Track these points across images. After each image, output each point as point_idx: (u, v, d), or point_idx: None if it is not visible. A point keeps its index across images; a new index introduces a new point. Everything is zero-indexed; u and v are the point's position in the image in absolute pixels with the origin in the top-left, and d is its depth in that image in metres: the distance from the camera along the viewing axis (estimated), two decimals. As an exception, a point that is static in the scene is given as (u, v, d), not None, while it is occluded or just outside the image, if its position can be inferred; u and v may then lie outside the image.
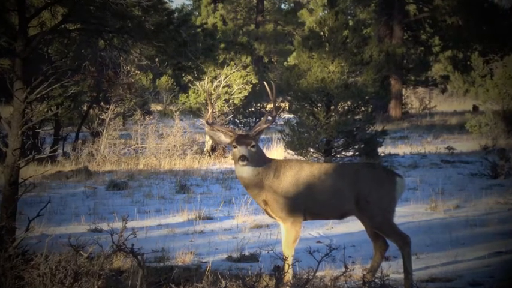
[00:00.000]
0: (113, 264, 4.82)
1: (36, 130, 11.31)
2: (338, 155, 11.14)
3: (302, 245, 5.18)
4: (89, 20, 5.37)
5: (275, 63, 26.61)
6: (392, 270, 5.09)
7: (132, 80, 13.83)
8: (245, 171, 4.76)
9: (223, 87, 14.02)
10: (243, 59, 14.17)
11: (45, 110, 11.20)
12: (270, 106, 17.06)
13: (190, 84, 14.40)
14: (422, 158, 12.29)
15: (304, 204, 4.78)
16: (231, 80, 14.04)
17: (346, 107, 11.07)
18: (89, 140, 12.70)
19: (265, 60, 28.73)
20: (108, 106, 12.84)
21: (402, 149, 13.73)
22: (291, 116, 12.23)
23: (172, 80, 20.34)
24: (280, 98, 14.99)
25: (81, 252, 4.16)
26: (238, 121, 16.94)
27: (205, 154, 12.85)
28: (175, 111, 13.69)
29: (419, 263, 5.38)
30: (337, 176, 4.82)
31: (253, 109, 17.26)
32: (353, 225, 6.32)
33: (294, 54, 17.89)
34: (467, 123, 14.46)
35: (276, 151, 11.98)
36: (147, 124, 12.87)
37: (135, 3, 5.22)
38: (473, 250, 5.82)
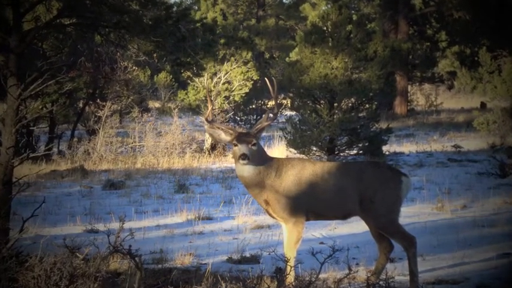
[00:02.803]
0: (109, 266, 4.79)
1: (31, 128, 11.25)
2: (341, 154, 11.05)
3: (304, 246, 5.10)
4: (84, 15, 5.29)
5: (277, 59, 26.51)
6: (398, 272, 5.05)
7: (130, 77, 13.74)
8: (246, 170, 4.70)
9: (223, 83, 13.91)
10: (244, 54, 14.05)
11: (40, 107, 11.11)
12: (271, 103, 16.94)
13: (189, 81, 14.29)
14: (428, 157, 12.25)
15: (306, 204, 4.74)
16: (231, 76, 13.94)
17: (350, 104, 10.98)
18: (85, 138, 12.63)
19: (267, 55, 28.62)
20: (104, 103, 12.75)
21: (408, 147, 13.68)
22: (293, 113, 12.14)
23: (171, 76, 20.24)
24: (282, 95, 14.88)
25: (77, 254, 4.21)
26: (238, 118, 16.86)
27: (205, 152, 12.75)
28: (174, 109, 13.59)
29: (425, 265, 5.33)
30: (340, 175, 4.77)
31: (254, 106, 17.18)
32: (357, 226, 6.27)
33: (296, 49, 17.76)
34: (475, 121, 14.32)
35: (278, 149, 11.89)
36: (145, 122, 12.80)
37: (132, -3, 5.11)
38: (480, 251, 5.77)
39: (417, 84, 22.99)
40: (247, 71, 14.09)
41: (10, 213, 4.94)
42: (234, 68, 13.90)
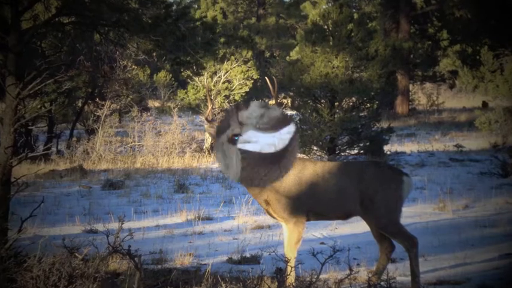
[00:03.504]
0: (108, 267, 4.78)
1: (29, 127, 11.22)
2: (342, 153, 11.01)
3: (305, 246, 5.09)
4: (83, 13, 5.26)
5: (277, 57, 26.48)
6: (399, 272, 5.04)
7: (129, 76, 13.72)
8: (246, 170, 4.64)
9: (223, 82, 13.89)
10: (244, 53, 14.02)
11: (39, 106, 11.08)
12: (271, 102, 16.81)
13: (189, 80, 14.27)
14: (429, 156, 12.24)
15: (307, 204, 4.73)
16: (231, 76, 13.91)
17: (351, 104, 10.95)
18: (83, 137, 12.61)
19: (267, 54, 28.57)
20: (103, 102, 12.72)
21: (409, 147, 13.66)
22: (294, 112, 12.10)
23: (171, 75, 20.20)
24: (283, 94, 14.85)
25: (76, 254, 4.21)
26: (239, 118, 16.76)
27: (205, 152, 12.72)
28: (174, 108, 13.57)
29: (426, 265, 5.32)
30: (341, 175, 4.75)
31: (254, 105, 17.10)
32: (358, 226, 6.25)
33: (297, 48, 17.72)
34: (477, 120, 14.27)
35: (278, 149, 11.81)
36: (144, 121, 12.77)
37: (132, -5, 5.09)
38: (482, 252, 5.76)
39: (418, 83, 22.94)
40: (248, 70, 14.06)
41: (9, 213, 4.92)
42: (234, 67, 13.87)
